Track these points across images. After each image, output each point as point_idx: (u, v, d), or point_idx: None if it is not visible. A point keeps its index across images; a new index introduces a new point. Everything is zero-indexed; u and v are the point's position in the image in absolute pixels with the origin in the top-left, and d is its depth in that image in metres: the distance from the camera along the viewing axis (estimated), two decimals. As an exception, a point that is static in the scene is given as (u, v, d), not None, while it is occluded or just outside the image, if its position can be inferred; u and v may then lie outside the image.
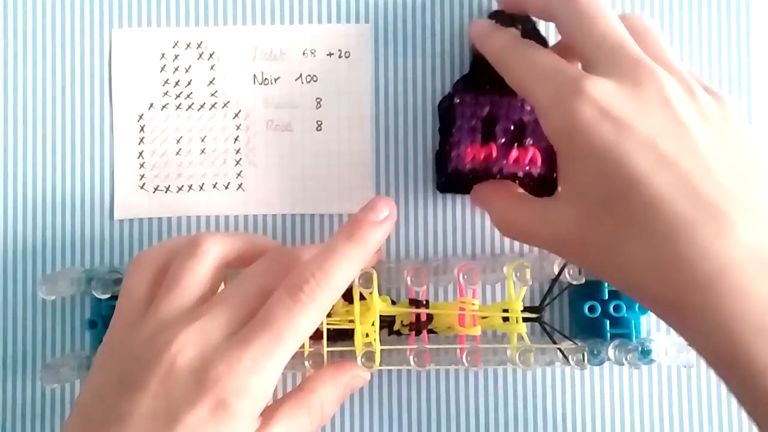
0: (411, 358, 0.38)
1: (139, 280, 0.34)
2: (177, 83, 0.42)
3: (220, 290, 0.34)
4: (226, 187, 0.42)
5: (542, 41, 0.41)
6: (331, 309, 0.38)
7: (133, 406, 0.28)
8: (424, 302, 0.38)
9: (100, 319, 0.39)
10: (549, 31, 0.42)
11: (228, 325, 0.30)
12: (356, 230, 0.33)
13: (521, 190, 0.38)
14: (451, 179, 0.41)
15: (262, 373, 0.29)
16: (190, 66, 0.42)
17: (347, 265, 0.32)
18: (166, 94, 0.42)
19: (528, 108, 0.41)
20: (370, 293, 0.37)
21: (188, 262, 0.33)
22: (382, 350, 0.37)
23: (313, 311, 0.31)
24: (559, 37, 0.40)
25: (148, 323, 0.31)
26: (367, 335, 0.37)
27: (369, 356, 0.37)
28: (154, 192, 0.42)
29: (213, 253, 0.33)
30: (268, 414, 0.31)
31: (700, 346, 0.28)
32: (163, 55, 0.42)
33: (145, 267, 0.34)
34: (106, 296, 0.38)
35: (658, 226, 0.27)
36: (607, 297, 0.39)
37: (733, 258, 0.26)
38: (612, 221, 0.29)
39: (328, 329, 0.37)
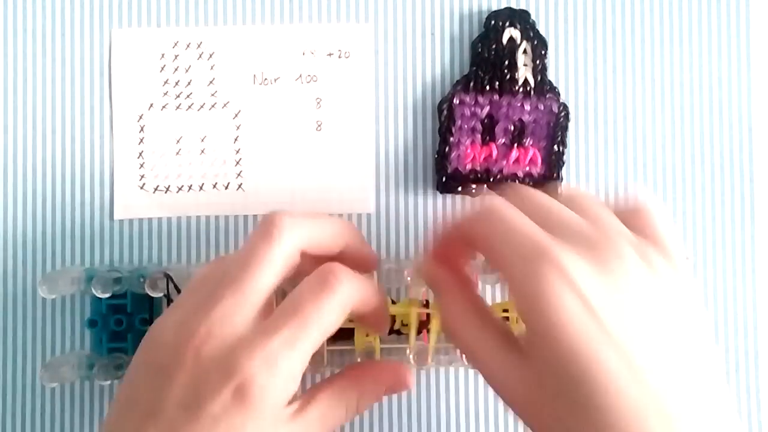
0: (411, 357, 0.38)
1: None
2: (177, 83, 0.42)
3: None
4: (226, 187, 0.42)
5: (542, 41, 0.42)
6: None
7: (164, 395, 0.29)
8: (424, 302, 0.38)
9: (100, 318, 0.39)
10: (549, 31, 0.42)
11: (253, 312, 0.30)
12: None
13: (477, 293, 0.33)
14: (451, 179, 0.41)
15: (285, 364, 0.29)
16: (190, 66, 0.42)
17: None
18: (166, 94, 0.42)
19: (528, 108, 0.41)
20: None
21: (260, 244, 0.31)
22: (381, 349, 0.37)
23: (339, 299, 0.30)
24: (562, 36, 0.40)
25: (186, 306, 0.31)
26: (367, 335, 0.37)
27: (369, 355, 0.37)
28: (154, 192, 0.42)
29: (287, 240, 0.31)
30: (306, 398, 0.31)
31: None
32: (163, 55, 0.42)
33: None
34: (106, 295, 0.38)
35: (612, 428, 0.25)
36: (607, 297, 0.39)
37: None
38: (566, 409, 0.26)
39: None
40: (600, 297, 0.26)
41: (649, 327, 0.27)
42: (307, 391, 0.31)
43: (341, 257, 0.33)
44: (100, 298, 0.38)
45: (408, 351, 0.37)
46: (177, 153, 0.42)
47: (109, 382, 0.40)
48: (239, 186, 0.42)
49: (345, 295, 0.30)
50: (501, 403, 0.41)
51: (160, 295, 0.38)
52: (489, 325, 0.31)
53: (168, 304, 0.39)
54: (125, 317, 0.39)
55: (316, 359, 0.36)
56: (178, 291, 0.38)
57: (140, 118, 0.42)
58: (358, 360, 0.37)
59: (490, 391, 0.41)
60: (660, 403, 0.25)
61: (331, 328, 0.30)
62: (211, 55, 0.42)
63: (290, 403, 0.30)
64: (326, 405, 0.31)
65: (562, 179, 0.41)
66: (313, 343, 0.30)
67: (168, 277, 0.38)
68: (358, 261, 0.34)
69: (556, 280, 0.26)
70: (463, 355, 0.38)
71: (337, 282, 0.30)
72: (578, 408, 0.26)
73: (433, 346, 0.38)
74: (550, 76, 0.42)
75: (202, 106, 0.42)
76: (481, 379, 0.41)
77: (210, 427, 0.28)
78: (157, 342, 0.31)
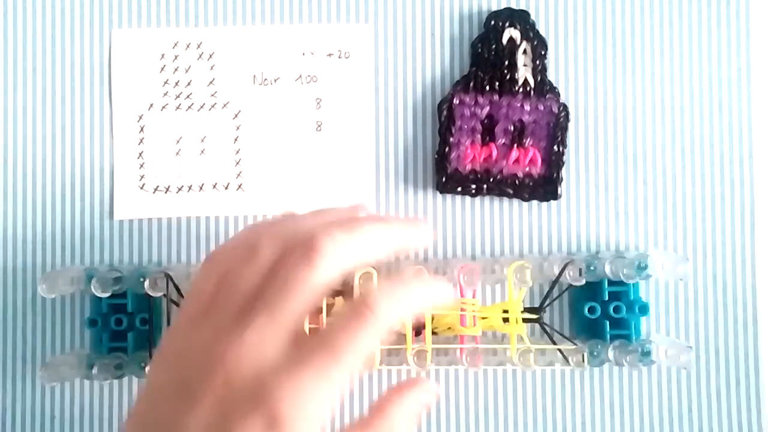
0: (411, 357, 0.38)
1: (207, 275, 0.30)
2: (177, 83, 0.42)
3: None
4: (226, 188, 0.42)
5: (542, 41, 0.42)
6: (332, 309, 0.39)
7: (189, 418, 0.27)
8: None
9: (100, 317, 0.39)
10: (549, 31, 0.42)
11: (287, 338, 0.28)
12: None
13: None
14: (451, 180, 0.41)
15: (317, 394, 0.27)
16: (189, 66, 0.42)
17: (415, 297, 0.29)
18: (166, 94, 0.42)
19: (528, 108, 0.41)
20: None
21: (246, 266, 0.29)
22: (381, 350, 0.37)
23: (374, 330, 0.28)
24: (562, 36, 0.41)
25: (209, 326, 0.29)
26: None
27: (369, 355, 0.37)
28: (154, 192, 0.42)
29: (329, 267, 0.28)
30: None
31: None
32: (163, 55, 0.42)
33: (218, 264, 0.30)
34: (106, 295, 0.38)
35: None
36: (607, 298, 0.39)
37: None
38: None
39: None
40: None
41: None
42: None
43: None
44: (100, 298, 0.38)
45: (408, 352, 0.37)
46: (177, 153, 0.42)
47: (108, 381, 0.40)
48: (239, 186, 0.42)
49: (381, 324, 0.28)
50: (500, 402, 0.41)
51: (160, 294, 0.38)
52: None
53: (168, 304, 0.39)
54: (125, 317, 0.39)
55: (369, 360, 0.36)
56: (178, 291, 0.38)
57: (140, 118, 0.42)
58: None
59: (490, 391, 0.41)
60: None
61: (367, 357, 0.29)
62: (211, 56, 0.42)
63: None
64: None
65: (561, 180, 0.41)
66: (347, 375, 0.28)
67: (168, 277, 0.38)
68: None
69: None
70: (464, 356, 0.38)
71: (372, 314, 0.28)
72: None
73: (431, 347, 0.38)
74: (550, 76, 0.42)
75: (202, 107, 0.42)
76: (481, 379, 0.41)
77: None
78: (183, 360, 0.29)
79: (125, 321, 0.39)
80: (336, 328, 0.28)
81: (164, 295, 0.38)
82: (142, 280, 0.38)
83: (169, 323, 0.39)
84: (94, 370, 0.38)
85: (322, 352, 0.28)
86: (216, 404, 0.27)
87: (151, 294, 0.38)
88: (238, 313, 0.28)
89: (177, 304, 0.39)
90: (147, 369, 0.38)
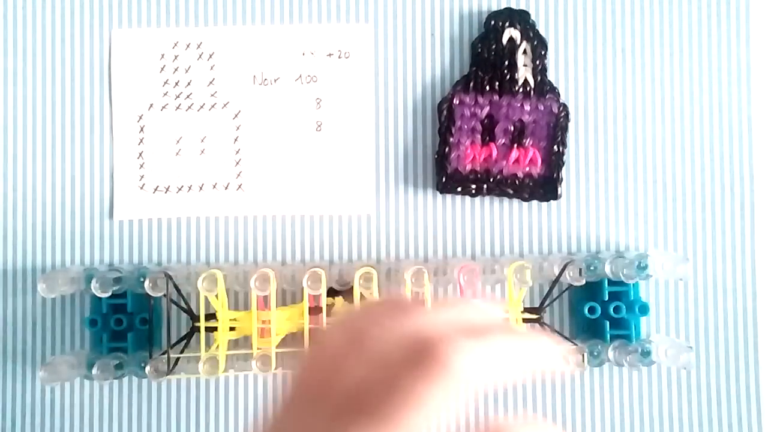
0: None
1: (313, 359, 0.26)
2: (177, 83, 0.42)
3: None
4: (226, 188, 0.42)
5: (542, 42, 0.42)
6: (331, 309, 0.39)
7: None
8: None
9: (100, 317, 0.39)
10: (549, 31, 0.42)
11: None
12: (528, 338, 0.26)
13: None
14: (451, 180, 0.41)
15: None
16: (189, 66, 0.42)
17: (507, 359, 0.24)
18: (165, 94, 0.42)
19: (528, 108, 0.41)
20: (370, 293, 0.37)
21: (348, 359, 0.25)
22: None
23: (450, 383, 0.23)
24: (562, 36, 0.40)
25: (298, 422, 0.25)
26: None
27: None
28: (154, 192, 0.42)
29: (459, 383, 0.23)
30: None
31: None
32: (162, 55, 0.42)
33: (324, 348, 0.26)
34: (106, 295, 0.38)
35: None
36: (607, 298, 0.39)
37: None
38: None
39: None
40: None
41: None
42: None
43: None
44: (100, 298, 0.38)
45: None
46: (177, 153, 0.42)
47: (108, 381, 0.40)
48: (239, 186, 0.42)
49: (458, 378, 0.23)
50: (500, 402, 0.41)
51: (160, 294, 0.38)
52: None
53: (168, 304, 0.39)
54: (125, 317, 0.39)
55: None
56: (178, 291, 0.39)
57: (140, 118, 0.42)
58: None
59: (490, 391, 0.41)
60: None
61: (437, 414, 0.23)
62: (211, 56, 0.42)
63: None
64: None
65: (561, 180, 0.41)
66: None
67: (168, 277, 0.38)
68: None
69: None
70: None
71: (444, 367, 0.23)
72: None
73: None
74: (550, 76, 0.42)
75: (202, 107, 0.42)
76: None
77: None
78: None
79: (125, 321, 0.39)
80: (397, 382, 0.23)
81: (164, 295, 0.38)
82: (142, 280, 0.38)
83: (169, 324, 0.39)
84: (94, 370, 0.38)
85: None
86: None
87: (151, 294, 0.38)
88: (333, 413, 0.24)
89: (177, 304, 0.39)
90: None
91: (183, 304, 0.39)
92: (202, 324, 0.38)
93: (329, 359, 0.25)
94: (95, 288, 0.38)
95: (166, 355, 0.38)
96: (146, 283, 0.38)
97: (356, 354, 0.24)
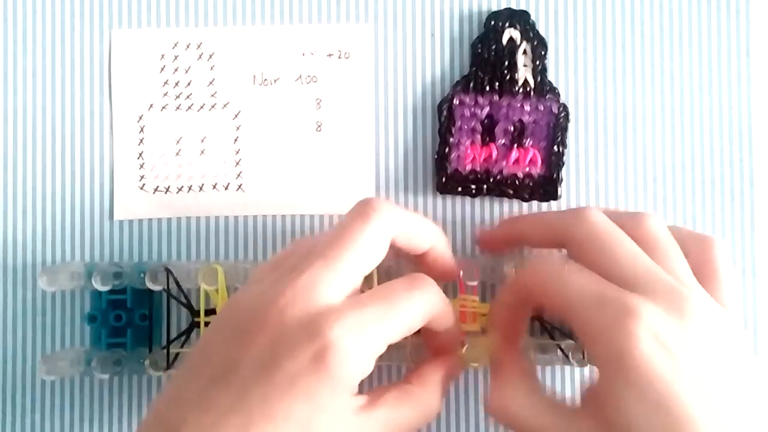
0: (410, 354, 0.38)
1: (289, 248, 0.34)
2: (177, 84, 0.42)
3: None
4: (226, 188, 0.42)
5: (542, 42, 0.41)
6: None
7: (242, 355, 0.28)
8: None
9: (100, 313, 0.39)
10: (549, 31, 0.42)
11: (342, 285, 0.30)
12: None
13: (532, 376, 0.34)
14: (451, 180, 0.41)
15: (367, 338, 0.28)
16: (189, 66, 0.42)
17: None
18: (165, 94, 0.42)
19: (528, 108, 0.41)
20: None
21: (355, 222, 0.31)
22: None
23: (427, 299, 0.31)
24: (562, 36, 0.40)
25: (269, 280, 0.31)
26: None
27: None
28: (153, 192, 0.42)
29: (382, 223, 0.31)
30: (372, 398, 0.31)
31: None
32: (162, 55, 0.42)
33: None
34: (106, 288, 0.38)
35: None
36: (606, 298, 0.39)
37: None
38: None
39: None
40: (680, 347, 0.29)
41: (723, 373, 0.29)
42: (371, 393, 0.31)
43: (423, 261, 0.35)
44: (100, 293, 0.39)
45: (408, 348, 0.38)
46: (177, 153, 0.42)
47: (108, 377, 0.40)
48: (239, 186, 0.42)
49: (432, 300, 0.31)
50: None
51: (160, 289, 0.38)
52: (537, 395, 0.33)
53: (168, 299, 0.39)
54: (125, 312, 0.39)
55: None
56: (178, 285, 0.39)
57: (140, 118, 0.42)
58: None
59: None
60: None
61: (415, 326, 0.31)
62: (211, 56, 0.42)
63: (358, 394, 0.30)
64: (394, 405, 0.31)
65: (561, 180, 0.41)
66: (398, 330, 0.30)
67: (168, 272, 0.38)
68: (439, 268, 0.35)
69: (643, 337, 0.28)
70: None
71: (426, 285, 0.31)
72: None
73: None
74: (550, 76, 0.42)
75: (202, 107, 0.42)
76: (480, 377, 0.41)
77: (284, 388, 0.27)
78: (236, 308, 0.31)
79: (125, 317, 0.39)
80: (393, 285, 0.31)
81: (164, 289, 0.38)
82: (142, 275, 0.38)
83: (168, 319, 0.39)
84: (93, 366, 0.38)
85: (379, 301, 0.30)
86: (267, 341, 0.28)
87: (151, 288, 0.38)
88: (293, 266, 0.30)
89: (176, 299, 0.39)
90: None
91: (183, 299, 0.39)
92: (202, 319, 0.38)
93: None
94: (95, 281, 0.38)
95: (165, 351, 0.38)
96: (146, 277, 0.38)
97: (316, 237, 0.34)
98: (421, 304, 0.31)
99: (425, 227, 0.34)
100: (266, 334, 0.28)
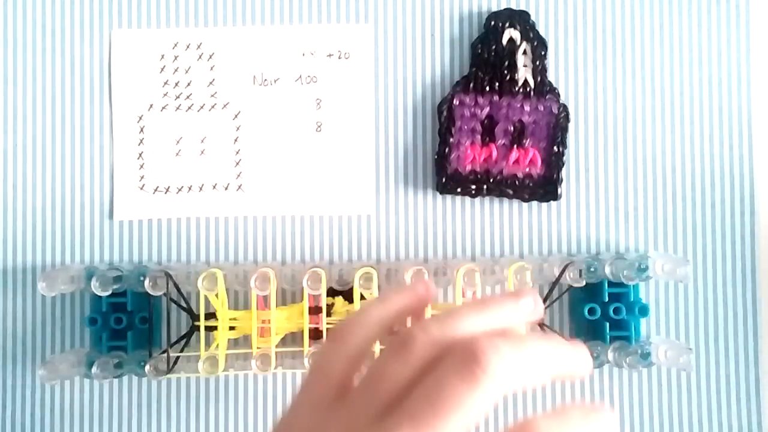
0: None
1: (336, 357, 0.27)
2: (177, 84, 0.42)
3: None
4: (226, 188, 0.42)
5: (542, 42, 0.41)
6: (332, 309, 0.39)
7: None
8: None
9: (100, 316, 0.39)
10: (549, 31, 0.42)
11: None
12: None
13: None
14: (451, 180, 0.41)
15: None
16: (189, 67, 0.42)
17: (541, 363, 0.25)
18: (165, 95, 0.42)
19: (527, 109, 0.41)
20: (370, 293, 0.37)
21: (395, 364, 0.25)
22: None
23: (490, 393, 0.24)
24: (562, 36, 0.40)
25: (341, 418, 0.25)
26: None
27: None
28: (153, 193, 0.42)
29: (498, 387, 0.24)
30: None
31: None
32: (162, 56, 0.42)
33: (346, 343, 0.27)
34: (106, 293, 0.38)
35: None
36: (607, 300, 0.39)
37: None
38: None
39: (328, 329, 0.38)
40: None
41: None
42: None
43: None
44: (100, 297, 0.39)
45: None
46: (177, 154, 0.42)
47: (108, 380, 0.40)
48: (239, 187, 0.42)
49: (498, 384, 0.24)
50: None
51: (160, 293, 0.38)
52: None
53: (168, 303, 0.39)
54: (125, 315, 0.39)
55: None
56: (178, 289, 0.39)
57: (140, 119, 0.42)
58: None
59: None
60: None
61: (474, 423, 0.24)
62: (211, 56, 0.42)
63: None
64: None
65: (561, 180, 0.41)
66: None
67: (168, 276, 0.38)
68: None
69: None
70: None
71: (484, 375, 0.23)
72: None
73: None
74: (550, 76, 0.42)
75: (201, 107, 0.42)
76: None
77: None
78: None
79: (125, 320, 0.39)
80: (439, 390, 0.24)
81: (164, 293, 0.38)
82: (142, 279, 0.38)
83: (169, 323, 0.39)
84: (94, 369, 0.38)
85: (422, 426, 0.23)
86: None
87: (151, 293, 0.38)
88: (376, 415, 0.24)
89: (177, 303, 0.39)
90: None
91: (183, 303, 0.39)
92: (202, 323, 0.38)
93: (355, 355, 0.27)
94: (95, 287, 0.38)
95: (165, 354, 0.38)
96: (146, 282, 0.38)
97: (398, 359, 0.25)
98: (480, 404, 0.24)
99: (546, 364, 0.25)
100: None
